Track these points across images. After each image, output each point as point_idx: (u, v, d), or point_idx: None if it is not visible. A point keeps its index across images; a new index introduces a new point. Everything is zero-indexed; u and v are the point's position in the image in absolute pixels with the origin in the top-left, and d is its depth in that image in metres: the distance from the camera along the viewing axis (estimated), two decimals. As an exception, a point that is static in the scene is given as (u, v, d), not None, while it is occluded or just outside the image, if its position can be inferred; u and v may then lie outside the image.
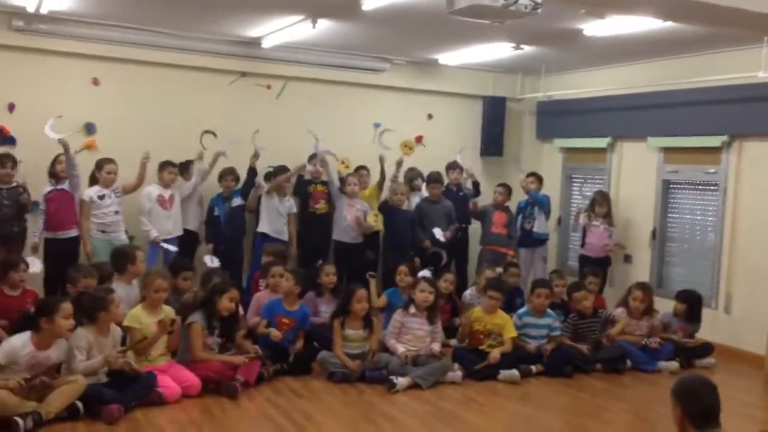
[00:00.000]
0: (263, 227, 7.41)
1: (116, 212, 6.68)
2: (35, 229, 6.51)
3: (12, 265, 5.54)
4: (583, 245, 7.84)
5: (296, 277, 5.93)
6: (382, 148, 7.67)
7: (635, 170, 8.15)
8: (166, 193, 7.06)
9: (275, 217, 7.42)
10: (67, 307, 4.57)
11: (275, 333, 5.70)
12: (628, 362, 6.29)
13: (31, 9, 6.56)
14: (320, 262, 6.57)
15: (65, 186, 6.61)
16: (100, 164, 6.72)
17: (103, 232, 6.61)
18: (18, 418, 4.11)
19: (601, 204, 7.67)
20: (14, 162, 6.53)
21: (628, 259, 8.13)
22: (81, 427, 4.36)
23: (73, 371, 4.60)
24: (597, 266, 7.39)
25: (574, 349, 6.18)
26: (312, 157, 7.70)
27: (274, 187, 7.37)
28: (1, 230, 6.34)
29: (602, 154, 8.54)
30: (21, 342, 4.49)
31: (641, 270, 7.88)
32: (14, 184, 6.49)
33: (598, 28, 6.25)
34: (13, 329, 4.90)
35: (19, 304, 5.37)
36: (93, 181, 6.77)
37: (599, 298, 7.02)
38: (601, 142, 8.45)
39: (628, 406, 5.50)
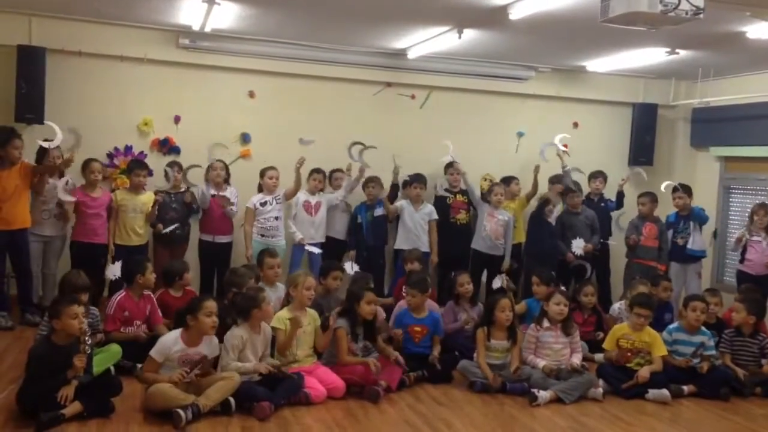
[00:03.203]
0: (399, 243, 7.51)
1: (276, 218, 7.07)
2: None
3: (179, 274, 5.99)
4: (742, 261, 7.34)
5: (422, 287, 5.95)
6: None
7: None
8: (313, 200, 7.33)
9: (410, 228, 7.48)
10: (209, 305, 4.79)
11: (396, 334, 5.77)
12: (792, 387, 5.83)
13: (196, 27, 7.05)
14: (453, 273, 6.56)
15: (227, 193, 7.09)
16: (263, 172, 7.14)
17: (262, 236, 7.02)
18: (180, 410, 4.38)
19: (762, 216, 7.15)
20: (181, 168, 7.08)
21: (792, 277, 7.52)
22: (234, 422, 4.58)
23: (224, 369, 4.84)
24: (757, 285, 6.90)
25: (731, 370, 5.81)
26: (449, 166, 7.74)
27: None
28: (171, 235, 6.89)
29: (765, 164, 7.99)
30: (172, 339, 4.77)
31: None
32: (182, 189, 7.04)
33: (762, 30, 5.87)
34: (171, 328, 5.25)
35: (183, 305, 5.76)
36: (259, 189, 7.20)
37: (761, 323, 6.53)
38: (765, 151, 7.90)
39: (792, 435, 5.10)
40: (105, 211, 6.69)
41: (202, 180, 7.24)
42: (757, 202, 7.57)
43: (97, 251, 6.61)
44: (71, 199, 6.52)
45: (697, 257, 7.73)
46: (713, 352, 5.90)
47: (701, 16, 3.81)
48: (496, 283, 6.74)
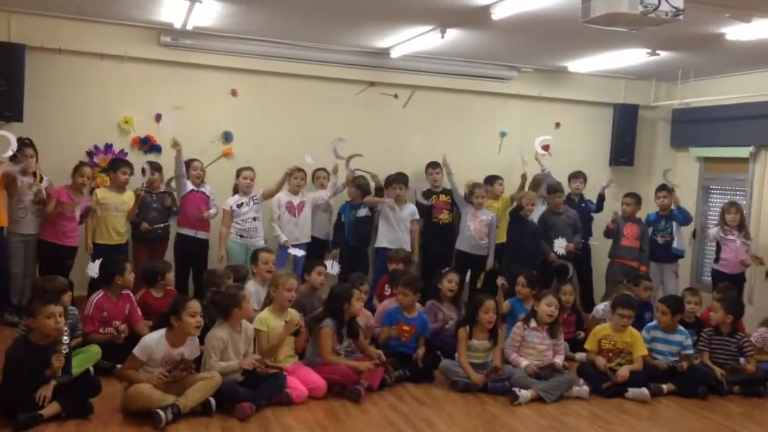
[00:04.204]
0: (381, 242, 7.49)
1: (254, 218, 6.99)
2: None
3: (162, 274, 5.94)
4: (717, 260, 7.42)
5: (415, 287, 5.96)
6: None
7: (781, 181, 7.66)
8: (296, 200, 7.27)
9: (393, 227, 7.48)
10: (193, 305, 4.76)
11: (387, 331, 5.76)
12: (770, 386, 5.90)
13: (177, 25, 7.01)
14: (446, 269, 6.58)
15: (204, 189, 7.03)
16: (238, 172, 7.08)
17: (241, 237, 6.96)
18: (160, 411, 4.35)
19: (733, 214, 7.21)
20: (160, 170, 7.03)
21: (772, 275, 7.64)
22: (215, 422, 4.56)
23: (207, 371, 4.79)
24: (732, 283, 6.98)
25: (709, 369, 5.86)
26: (430, 166, 7.79)
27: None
28: (150, 234, 6.84)
29: (744, 164, 8.08)
30: (155, 339, 4.73)
31: (787, 288, 7.39)
32: (161, 189, 6.99)
33: (742, 32, 5.93)
34: (154, 328, 5.19)
35: (164, 305, 5.73)
36: (235, 190, 7.13)
37: (739, 322, 6.57)
38: (743, 152, 7.99)
39: (768, 433, 5.16)
40: (79, 215, 6.63)
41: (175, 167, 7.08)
42: (729, 200, 7.65)
43: (64, 253, 6.54)
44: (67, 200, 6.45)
45: (677, 257, 7.80)
46: (691, 351, 5.95)
47: (681, 17, 3.85)
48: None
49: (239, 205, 6.95)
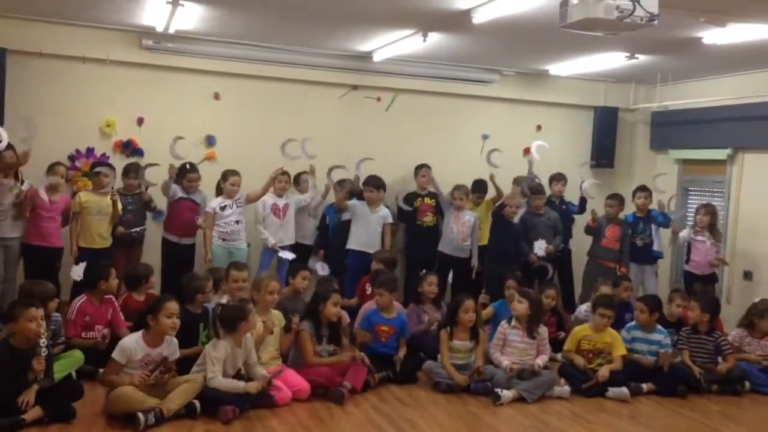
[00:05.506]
0: (351, 243, 7.43)
1: (237, 222, 6.99)
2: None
3: (145, 277, 5.97)
4: (687, 261, 7.51)
5: (391, 287, 5.99)
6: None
7: (758, 183, 7.77)
8: (280, 203, 7.29)
9: (364, 229, 7.45)
10: (171, 306, 4.75)
11: (362, 335, 5.78)
12: (747, 384, 5.98)
13: (160, 29, 7.01)
14: (423, 271, 6.62)
15: (195, 197, 7.05)
16: (225, 175, 7.05)
17: (223, 240, 6.96)
18: (140, 414, 4.36)
19: (702, 215, 7.31)
20: (136, 172, 7.00)
21: (748, 275, 7.74)
22: (199, 425, 4.57)
23: (209, 383, 4.75)
24: (703, 284, 7.09)
25: (689, 368, 5.95)
26: (419, 168, 7.80)
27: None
28: (127, 237, 6.83)
29: (721, 166, 8.19)
30: (133, 341, 4.73)
31: (764, 287, 7.48)
32: (138, 190, 6.98)
33: (718, 36, 6.02)
34: (134, 329, 5.18)
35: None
36: (218, 191, 7.13)
37: (717, 321, 6.65)
38: (721, 154, 8.10)
39: (745, 430, 5.23)
40: (60, 215, 6.59)
41: (162, 178, 7.09)
42: (702, 202, 7.75)
43: (50, 254, 6.50)
44: (44, 198, 6.40)
45: (656, 258, 7.89)
46: (669, 350, 6.03)
47: (656, 22, 3.92)
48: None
49: (222, 208, 6.95)
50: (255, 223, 7.22)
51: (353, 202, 7.52)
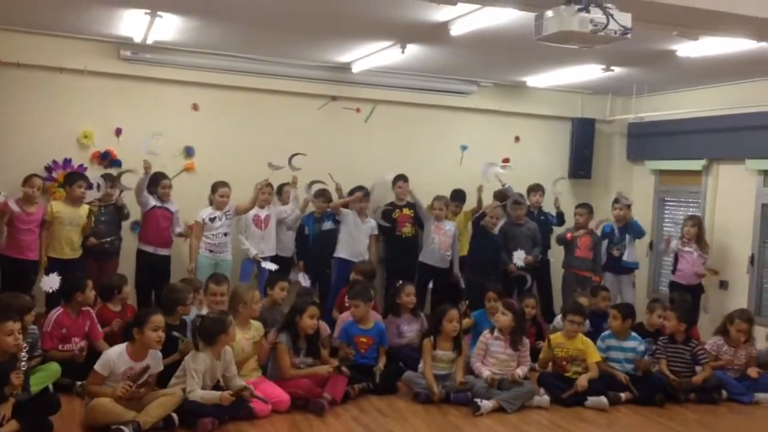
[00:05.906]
0: (340, 252, 7.48)
1: (225, 234, 6.98)
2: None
3: (118, 288, 5.93)
4: (674, 271, 7.61)
5: (365, 297, 5.99)
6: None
7: (732, 193, 7.89)
8: (262, 213, 7.29)
9: (354, 239, 7.50)
10: (157, 319, 4.74)
11: (344, 351, 5.77)
12: (724, 393, 6.04)
13: (138, 39, 6.98)
14: (400, 282, 6.63)
15: (169, 206, 7.00)
16: (215, 187, 7.04)
17: (210, 251, 6.94)
18: (120, 426, 4.32)
19: (689, 227, 7.42)
20: (113, 182, 6.95)
21: (723, 285, 7.84)
22: (177, 438, 4.56)
23: (188, 396, 4.72)
24: (689, 293, 7.16)
25: (666, 377, 6.00)
26: (397, 180, 7.84)
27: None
28: (99, 248, 6.78)
29: (697, 177, 8.31)
30: (117, 353, 4.70)
31: (739, 297, 7.59)
32: (112, 202, 6.94)
33: (691, 49, 6.13)
34: (117, 342, 5.15)
35: (122, 319, 5.71)
36: (211, 201, 7.09)
37: (693, 330, 6.74)
38: (696, 164, 8.23)
39: (722, 439, 5.30)
40: (38, 227, 6.53)
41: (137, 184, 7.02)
42: (689, 213, 7.86)
43: (27, 267, 6.45)
44: (15, 209, 6.34)
45: (631, 269, 7.96)
46: (644, 356, 6.06)
47: (629, 35, 3.97)
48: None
49: (212, 219, 6.94)
50: (237, 233, 7.20)
51: (347, 210, 7.54)
